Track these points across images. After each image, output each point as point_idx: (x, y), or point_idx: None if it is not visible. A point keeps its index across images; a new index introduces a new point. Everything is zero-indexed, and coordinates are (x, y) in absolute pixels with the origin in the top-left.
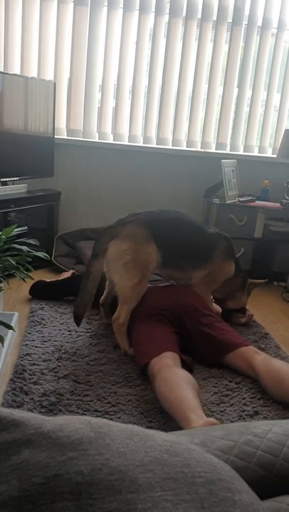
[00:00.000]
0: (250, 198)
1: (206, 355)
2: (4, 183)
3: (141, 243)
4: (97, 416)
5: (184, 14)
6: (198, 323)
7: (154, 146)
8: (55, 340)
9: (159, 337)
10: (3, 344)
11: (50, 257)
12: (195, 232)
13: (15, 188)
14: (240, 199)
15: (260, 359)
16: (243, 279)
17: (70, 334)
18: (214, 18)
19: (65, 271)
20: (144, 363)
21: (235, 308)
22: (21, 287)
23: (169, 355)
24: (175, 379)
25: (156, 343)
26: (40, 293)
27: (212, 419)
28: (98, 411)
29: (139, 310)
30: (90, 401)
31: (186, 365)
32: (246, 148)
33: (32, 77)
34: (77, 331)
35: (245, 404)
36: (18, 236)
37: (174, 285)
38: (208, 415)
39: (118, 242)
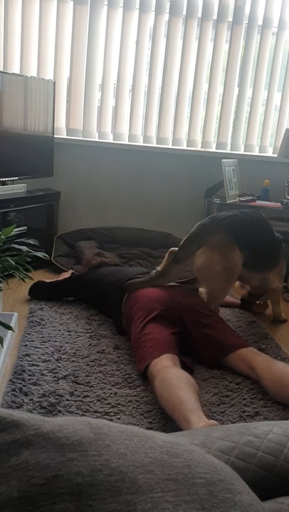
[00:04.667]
0: (250, 197)
1: (206, 356)
2: (4, 183)
3: (229, 252)
4: (97, 417)
5: (184, 13)
6: (199, 324)
7: (154, 145)
8: (55, 341)
9: (158, 339)
10: (2, 345)
11: (50, 257)
12: (268, 233)
13: (14, 188)
14: (241, 199)
15: (260, 361)
16: None
17: (69, 335)
18: (214, 17)
19: (65, 271)
20: (144, 366)
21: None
22: (21, 287)
23: (169, 356)
24: (174, 380)
25: (156, 345)
26: (39, 293)
27: (212, 421)
28: (98, 412)
29: (136, 310)
30: (90, 402)
31: (186, 367)
32: (247, 147)
33: (31, 77)
34: (76, 332)
35: (245, 405)
36: (18, 236)
37: (174, 285)
38: (208, 416)
39: (207, 252)
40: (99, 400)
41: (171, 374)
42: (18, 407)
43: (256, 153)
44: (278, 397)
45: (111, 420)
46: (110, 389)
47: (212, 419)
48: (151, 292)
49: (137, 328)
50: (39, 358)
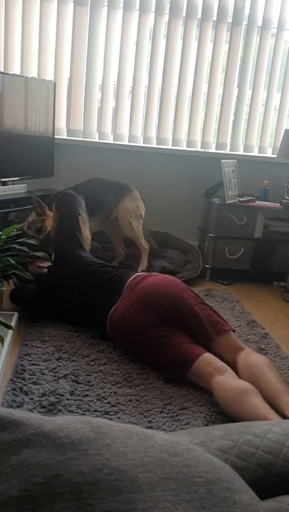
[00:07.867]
0: (250, 198)
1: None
2: (4, 183)
3: None
4: (97, 416)
5: (184, 14)
6: (182, 312)
7: (154, 146)
8: (55, 340)
9: (186, 340)
10: (3, 344)
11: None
12: None
13: (15, 188)
14: (240, 199)
15: (241, 356)
16: None
17: (70, 334)
18: (214, 18)
19: None
20: (191, 362)
21: None
22: None
23: (213, 357)
24: (237, 398)
25: (189, 345)
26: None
27: None
28: (98, 411)
29: (136, 332)
30: (90, 401)
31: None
32: (246, 148)
33: (32, 77)
34: (77, 331)
35: None
36: (19, 236)
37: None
38: (208, 415)
39: None
40: (99, 399)
41: (228, 392)
42: (18, 407)
43: (256, 153)
44: None
45: (111, 419)
46: (110, 388)
47: (212, 419)
48: (137, 315)
49: (151, 342)
50: (39, 357)
